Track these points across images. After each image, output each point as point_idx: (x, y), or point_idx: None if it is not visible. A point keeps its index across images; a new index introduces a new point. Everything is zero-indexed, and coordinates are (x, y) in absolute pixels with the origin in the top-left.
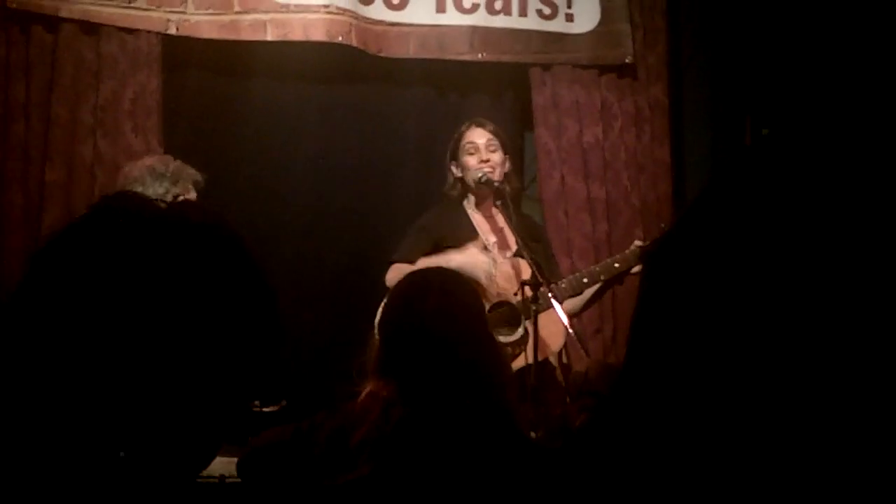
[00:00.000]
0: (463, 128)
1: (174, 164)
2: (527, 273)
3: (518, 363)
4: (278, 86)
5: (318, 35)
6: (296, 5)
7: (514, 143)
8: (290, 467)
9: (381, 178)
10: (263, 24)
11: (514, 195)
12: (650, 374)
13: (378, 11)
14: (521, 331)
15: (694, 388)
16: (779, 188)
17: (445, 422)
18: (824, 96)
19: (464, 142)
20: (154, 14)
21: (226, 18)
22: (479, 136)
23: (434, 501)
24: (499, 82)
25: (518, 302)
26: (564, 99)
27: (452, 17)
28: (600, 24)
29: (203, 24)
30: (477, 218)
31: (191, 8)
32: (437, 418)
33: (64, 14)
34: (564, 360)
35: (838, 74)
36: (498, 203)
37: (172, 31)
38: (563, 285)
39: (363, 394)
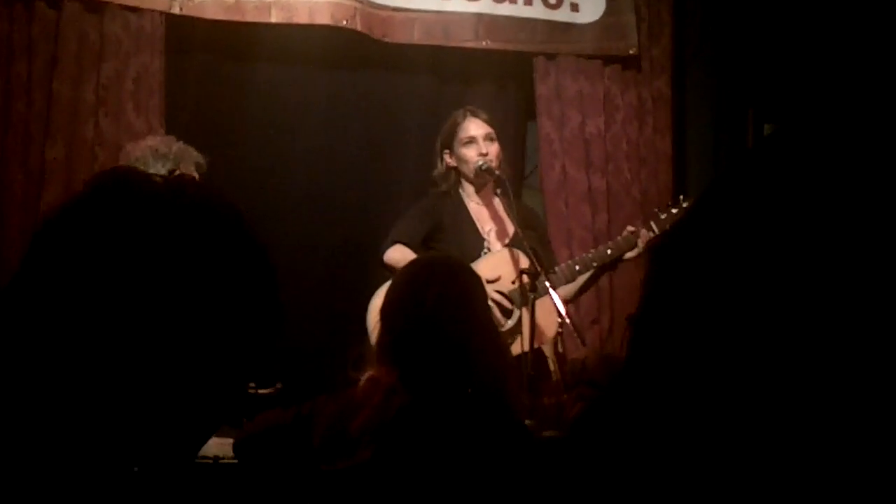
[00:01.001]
0: (457, 118)
1: (176, 146)
2: (524, 262)
3: (513, 352)
4: (282, 69)
5: (322, 18)
6: None
7: (517, 132)
8: (290, 451)
9: (383, 163)
10: (268, 6)
11: (513, 183)
12: (653, 369)
13: None
14: (514, 319)
15: (697, 385)
16: (785, 185)
17: (446, 409)
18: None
19: (460, 133)
20: None
21: (230, 0)
22: (476, 128)
23: (433, 488)
24: (502, 71)
25: (512, 290)
26: (568, 89)
27: (458, 5)
28: (605, 14)
29: (207, 4)
30: (473, 206)
31: None
32: (438, 406)
33: None
34: (560, 349)
35: (841, 69)
36: (498, 191)
37: (176, 10)
38: (557, 273)
39: (364, 379)
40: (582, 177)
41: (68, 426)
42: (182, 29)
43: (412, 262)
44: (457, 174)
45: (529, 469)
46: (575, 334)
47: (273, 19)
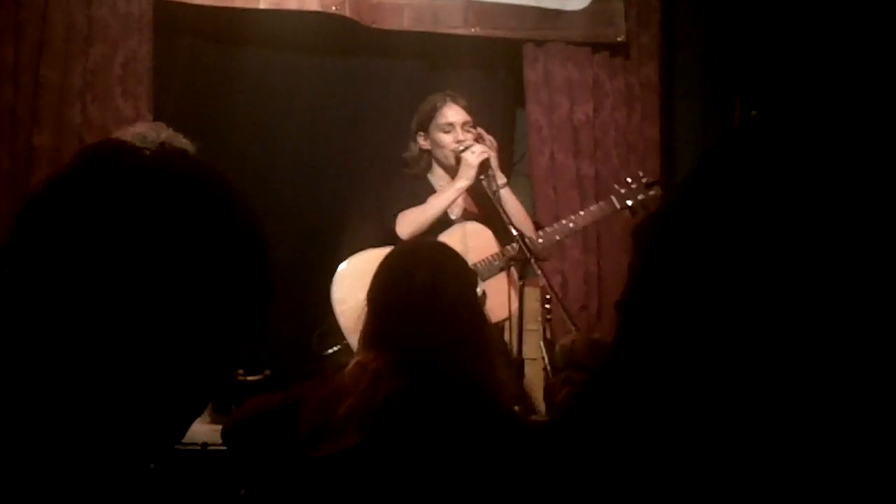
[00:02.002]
0: (437, 101)
1: (166, 133)
2: (485, 235)
3: None
4: (271, 55)
5: (311, 4)
6: None
7: (505, 119)
8: (277, 437)
9: (372, 149)
10: None
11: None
12: (642, 356)
13: None
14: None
15: (685, 369)
16: (768, 169)
17: (434, 395)
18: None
19: (438, 117)
20: None
21: None
22: (455, 115)
23: (420, 474)
24: (491, 58)
25: (475, 264)
26: (556, 76)
27: None
28: (594, 1)
29: None
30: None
31: None
32: (425, 391)
33: None
34: (548, 334)
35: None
36: (482, 177)
37: None
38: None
39: (351, 365)
40: (570, 163)
41: (51, 406)
42: (170, 13)
43: (396, 248)
44: (429, 157)
45: (517, 455)
46: (568, 321)
47: (261, 4)
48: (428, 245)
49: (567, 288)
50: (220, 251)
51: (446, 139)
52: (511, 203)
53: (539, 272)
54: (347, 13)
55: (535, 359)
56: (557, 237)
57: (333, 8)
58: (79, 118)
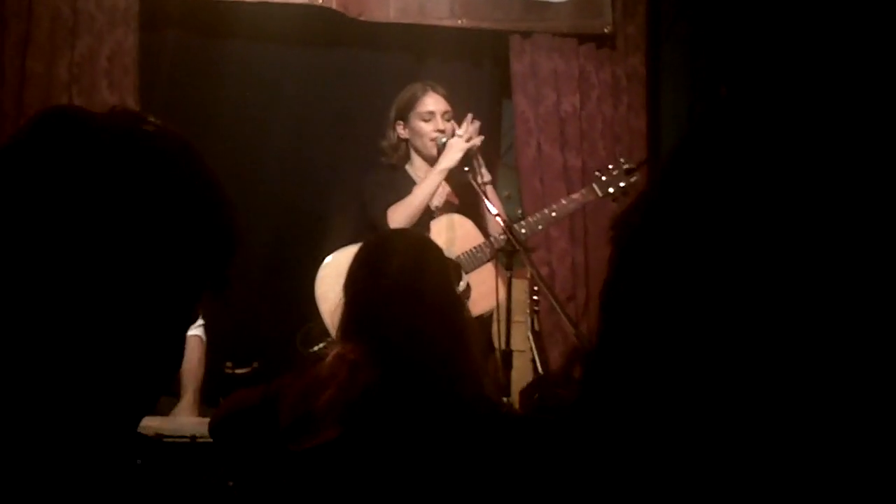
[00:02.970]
0: (416, 90)
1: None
2: (467, 227)
3: None
4: (258, 47)
5: None
6: None
7: (492, 110)
8: (259, 431)
9: (359, 142)
10: None
11: (489, 162)
12: (623, 352)
13: None
14: (462, 285)
15: (667, 364)
16: (746, 149)
17: (412, 385)
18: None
19: (418, 106)
20: None
21: None
22: (435, 104)
23: (400, 465)
24: (478, 49)
25: (459, 257)
26: (543, 67)
27: None
28: None
29: None
30: (420, 181)
31: None
32: (402, 381)
33: None
34: (536, 326)
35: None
36: (466, 168)
37: None
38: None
39: (330, 356)
40: (557, 155)
41: (18, 378)
42: (156, 5)
43: (371, 237)
44: (407, 147)
45: (498, 445)
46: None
47: None
48: (401, 234)
49: (554, 279)
50: (174, 207)
51: (426, 128)
52: (492, 196)
53: (527, 262)
54: (334, 5)
55: (522, 350)
56: (540, 227)
57: (320, 0)
58: None
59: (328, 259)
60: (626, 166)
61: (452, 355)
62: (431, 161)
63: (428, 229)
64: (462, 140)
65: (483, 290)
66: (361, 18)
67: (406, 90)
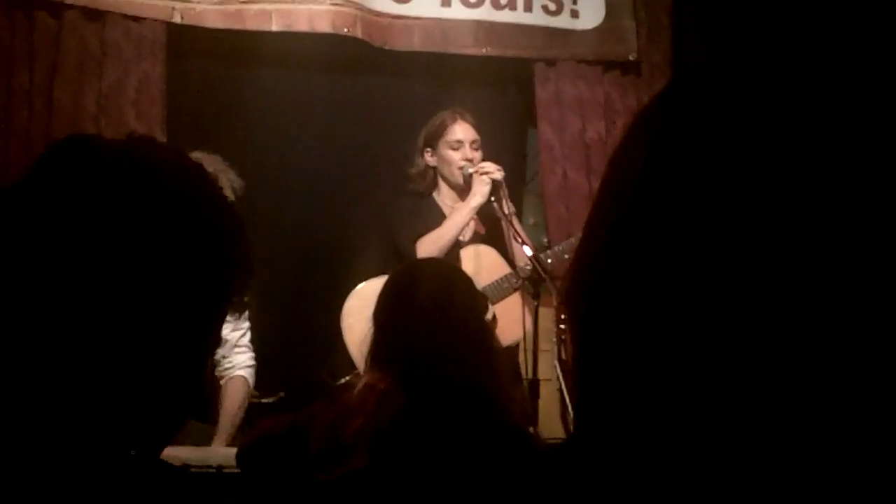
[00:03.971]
0: (446, 118)
1: (216, 166)
2: (493, 257)
3: None
4: (283, 76)
5: (323, 26)
6: None
7: (517, 138)
8: (287, 461)
9: (384, 170)
10: (269, 13)
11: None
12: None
13: (383, 4)
14: (488, 315)
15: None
16: (736, 137)
17: (441, 414)
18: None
19: (447, 134)
20: (159, 2)
21: (231, 7)
22: (464, 133)
23: (430, 495)
24: (502, 77)
25: (485, 287)
26: (568, 95)
27: (457, 11)
28: (605, 20)
29: (208, 12)
30: (448, 211)
31: None
32: (433, 410)
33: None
34: (563, 354)
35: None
36: (492, 199)
37: (177, 19)
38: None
39: (359, 385)
40: (583, 182)
41: (29, 405)
42: (183, 36)
43: (401, 266)
44: (435, 174)
45: (527, 476)
46: None
47: (274, 27)
48: (431, 263)
49: None
50: (188, 231)
51: (454, 156)
52: (518, 226)
53: (553, 291)
54: (359, 34)
55: (549, 379)
56: (566, 255)
57: (345, 29)
58: None
59: (355, 290)
60: None
61: (482, 384)
62: (458, 190)
63: (458, 260)
64: (490, 174)
65: (509, 320)
66: (386, 47)
67: (435, 117)
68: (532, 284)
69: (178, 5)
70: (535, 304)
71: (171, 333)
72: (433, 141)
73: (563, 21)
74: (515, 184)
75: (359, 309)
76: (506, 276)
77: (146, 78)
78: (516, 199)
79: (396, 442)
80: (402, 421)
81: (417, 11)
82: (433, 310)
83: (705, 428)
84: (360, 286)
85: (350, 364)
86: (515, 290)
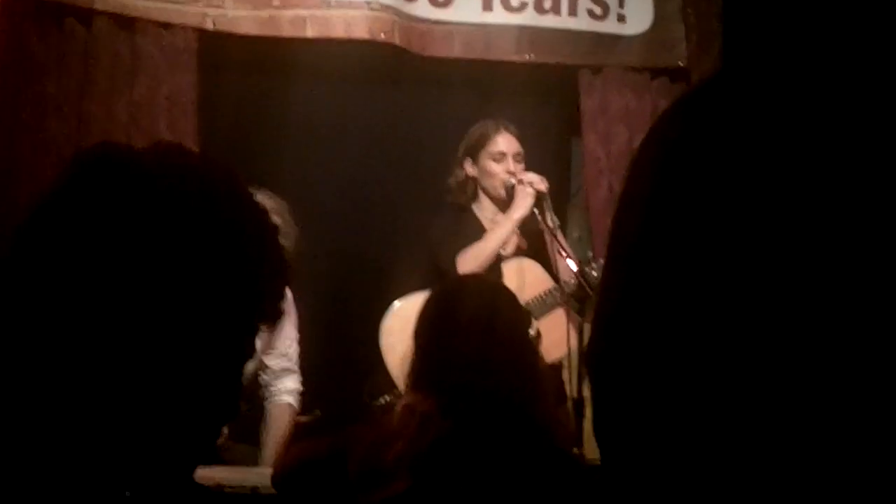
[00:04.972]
0: (488, 128)
1: (282, 214)
2: (536, 271)
3: None
4: (319, 86)
5: (359, 32)
6: (337, 1)
7: (561, 149)
8: (327, 484)
9: (424, 181)
10: (304, 20)
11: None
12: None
13: (422, 9)
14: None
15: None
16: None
17: (484, 437)
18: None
19: (489, 145)
20: (191, 9)
21: (265, 14)
22: (507, 145)
23: None
24: (545, 85)
25: (528, 302)
26: (614, 104)
27: (499, 16)
28: (653, 25)
29: (241, 19)
30: (488, 224)
31: (229, 3)
32: (475, 433)
33: (98, 6)
34: None
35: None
36: (536, 211)
37: (209, 26)
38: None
39: (399, 407)
40: None
41: (59, 423)
42: (215, 45)
43: (445, 284)
44: (475, 185)
45: (571, 497)
46: None
47: (309, 34)
48: (473, 279)
49: None
50: (219, 239)
51: (496, 168)
52: (562, 239)
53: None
54: (396, 41)
55: None
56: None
57: (382, 35)
58: None
59: (394, 308)
60: None
61: (526, 406)
62: (499, 202)
63: (501, 274)
64: (533, 186)
65: (554, 337)
66: (425, 54)
67: (477, 126)
68: (577, 300)
69: (211, 12)
70: (580, 320)
71: (204, 342)
72: (474, 152)
73: (609, 26)
74: (559, 196)
75: (399, 328)
76: (550, 290)
77: (178, 88)
78: (560, 213)
79: (438, 465)
80: (443, 444)
81: (458, 17)
82: (476, 330)
83: (730, 450)
84: (398, 304)
85: (390, 383)
86: (560, 305)
